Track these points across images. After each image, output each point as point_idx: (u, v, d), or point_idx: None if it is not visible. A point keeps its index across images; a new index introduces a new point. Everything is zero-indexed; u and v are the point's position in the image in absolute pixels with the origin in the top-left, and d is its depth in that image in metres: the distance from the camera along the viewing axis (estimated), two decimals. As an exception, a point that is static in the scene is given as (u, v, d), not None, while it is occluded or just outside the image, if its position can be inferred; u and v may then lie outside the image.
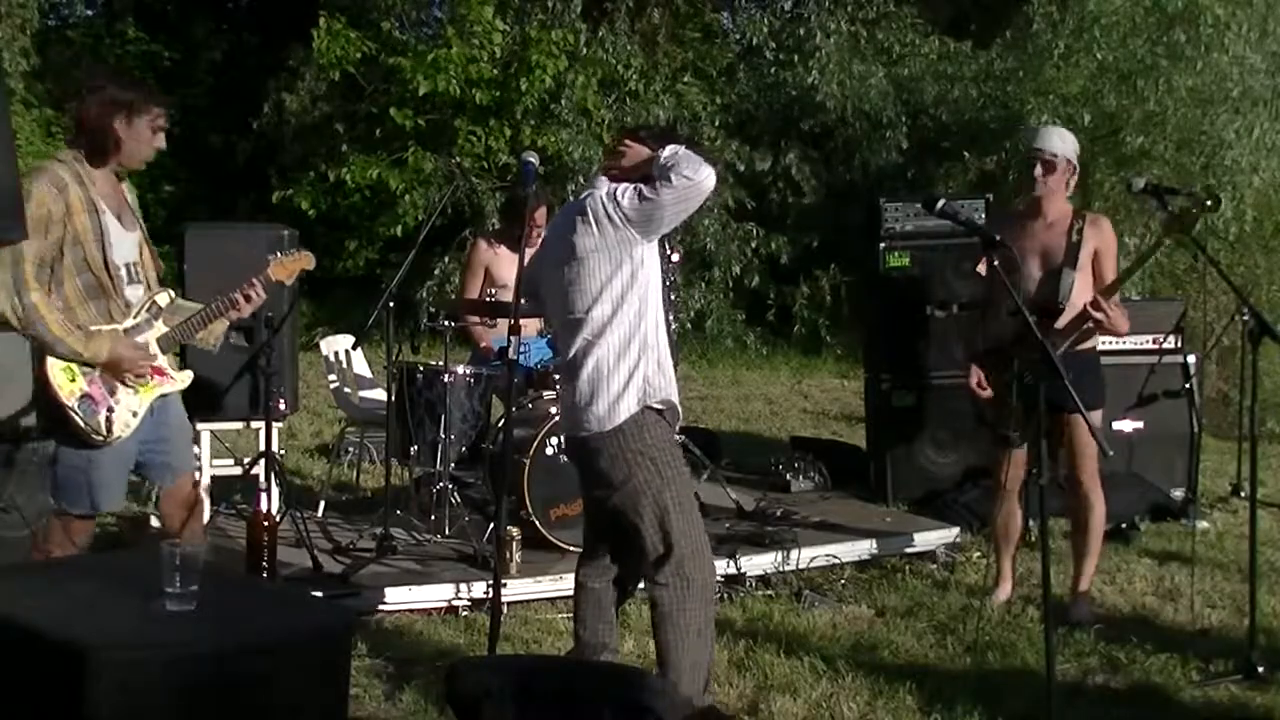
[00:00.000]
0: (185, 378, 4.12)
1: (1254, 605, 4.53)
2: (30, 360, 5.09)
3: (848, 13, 14.59)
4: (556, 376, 5.77)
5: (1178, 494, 6.86)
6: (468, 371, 5.93)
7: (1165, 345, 6.67)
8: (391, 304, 5.49)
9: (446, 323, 5.80)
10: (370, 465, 7.29)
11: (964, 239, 6.10)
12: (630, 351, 3.76)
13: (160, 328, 4.03)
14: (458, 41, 14.18)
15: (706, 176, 3.75)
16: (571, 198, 13.22)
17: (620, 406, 3.74)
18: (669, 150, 3.76)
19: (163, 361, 4.03)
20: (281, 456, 5.69)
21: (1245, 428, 5.23)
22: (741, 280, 14.08)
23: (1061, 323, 4.87)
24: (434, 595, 5.06)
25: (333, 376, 6.98)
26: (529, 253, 6.21)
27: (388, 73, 14.59)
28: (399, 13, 15.47)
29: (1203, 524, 6.59)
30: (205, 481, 5.74)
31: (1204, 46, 10.89)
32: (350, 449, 7.21)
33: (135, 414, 3.95)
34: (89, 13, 18.83)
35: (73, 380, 3.85)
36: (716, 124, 14.43)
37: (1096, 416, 5.01)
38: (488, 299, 6.20)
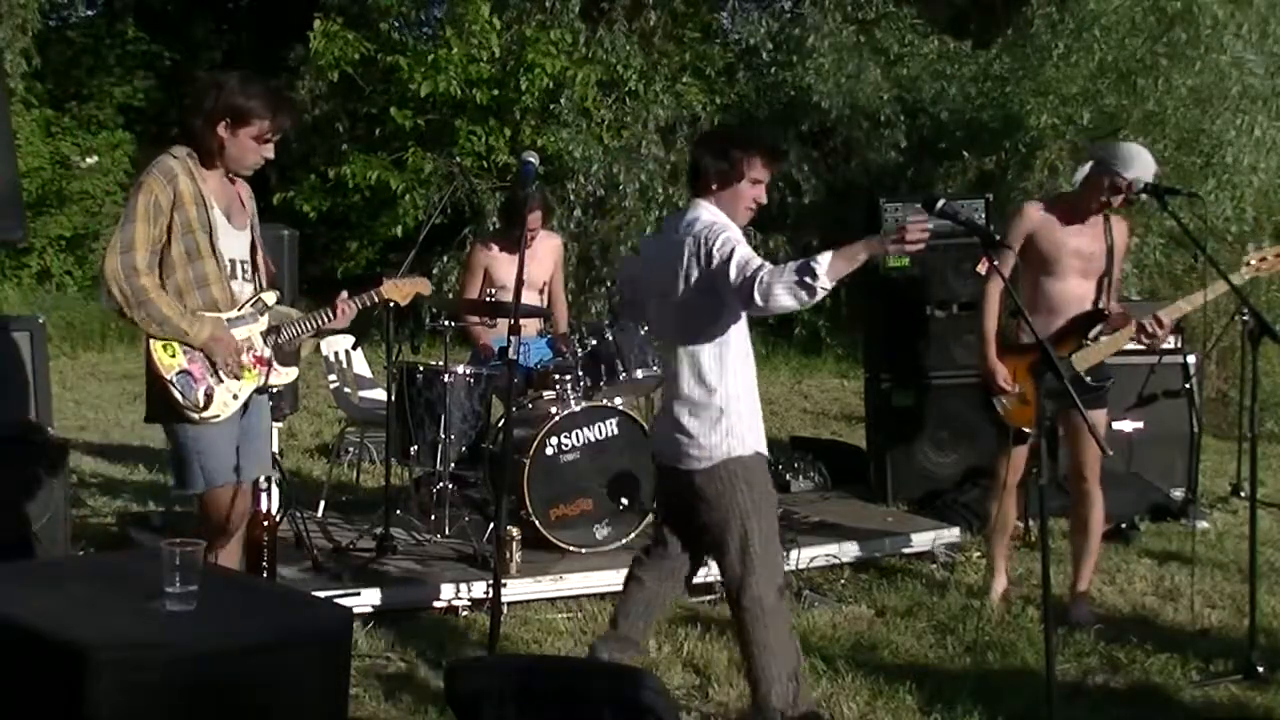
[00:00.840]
0: (289, 374, 4.25)
1: (1254, 605, 4.53)
2: (30, 360, 5.11)
3: (847, 13, 14.58)
4: (557, 376, 5.79)
5: (1178, 494, 6.86)
6: (468, 371, 5.93)
7: (1165, 345, 6.66)
8: (391, 304, 5.49)
9: (446, 323, 5.80)
10: (370, 465, 7.29)
11: (964, 239, 6.10)
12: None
13: (265, 323, 4.13)
14: (457, 42, 14.19)
15: (779, 305, 3.67)
16: (571, 197, 13.35)
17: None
18: (764, 276, 3.65)
19: (267, 354, 4.12)
20: (281, 457, 5.69)
21: (1245, 428, 5.22)
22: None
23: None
24: (434, 595, 5.07)
25: (333, 376, 6.98)
26: (528, 254, 6.25)
27: (386, 73, 14.60)
28: (397, 13, 15.46)
29: (1203, 524, 6.59)
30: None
31: (1204, 46, 10.88)
32: (350, 449, 7.21)
33: (236, 396, 4.04)
34: (89, 13, 18.83)
35: (173, 356, 3.95)
36: (715, 124, 14.42)
37: (1102, 415, 5.03)
38: (487, 298, 6.21)
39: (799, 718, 3.81)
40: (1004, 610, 5.14)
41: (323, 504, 6.25)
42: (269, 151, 4.06)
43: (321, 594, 4.64)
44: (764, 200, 4.01)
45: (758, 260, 3.71)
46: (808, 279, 3.55)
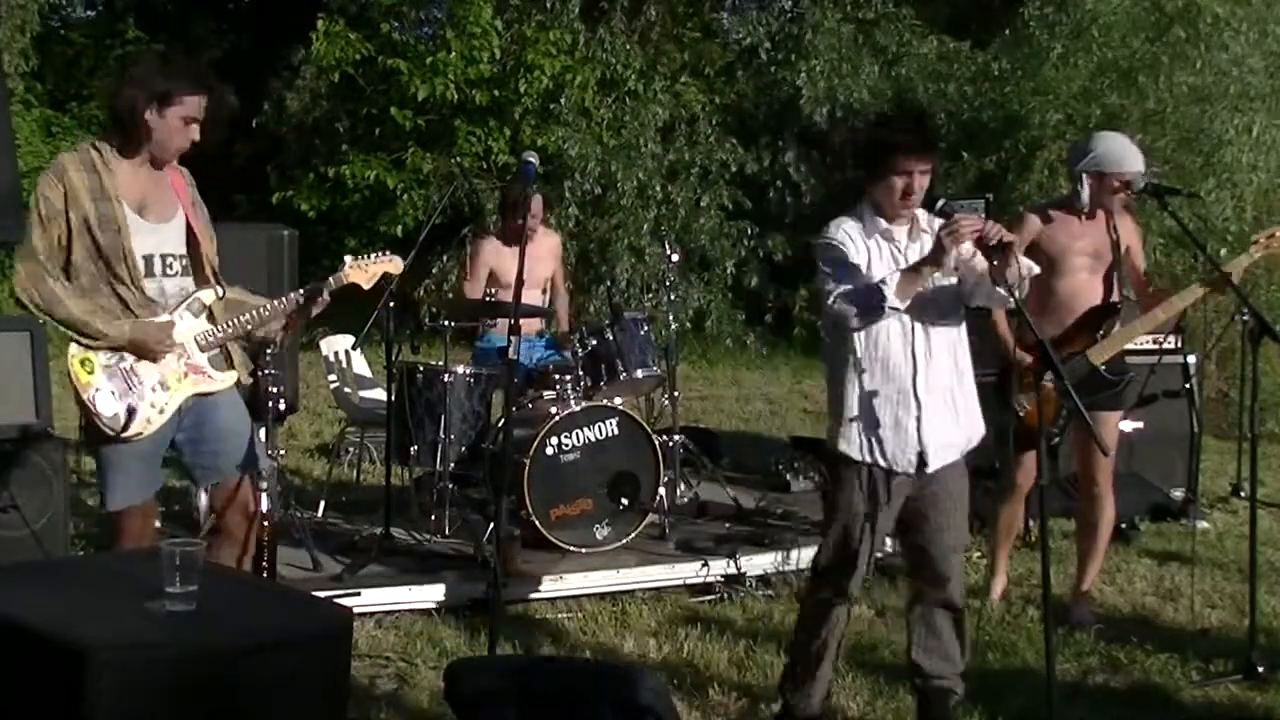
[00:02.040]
0: (226, 378, 3.99)
1: (1254, 605, 4.53)
2: (30, 360, 5.10)
3: (846, 12, 14.58)
4: (557, 376, 5.79)
5: (1178, 494, 6.86)
6: (468, 371, 5.93)
7: (1165, 345, 6.66)
8: (391, 304, 5.50)
9: (446, 322, 5.80)
10: (370, 465, 7.29)
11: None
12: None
13: (200, 325, 3.94)
14: (457, 43, 14.19)
15: (852, 328, 3.71)
16: (568, 195, 13.34)
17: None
18: (835, 306, 3.69)
19: (200, 360, 3.93)
20: (281, 456, 5.69)
21: (1245, 428, 5.22)
22: (740, 280, 14.08)
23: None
24: (434, 595, 5.07)
25: (333, 376, 6.97)
26: (530, 251, 6.24)
27: (386, 74, 14.60)
28: (398, 14, 15.46)
29: (1203, 524, 6.59)
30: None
31: (1203, 45, 10.88)
32: (350, 449, 7.21)
33: (161, 411, 3.86)
34: (89, 14, 18.83)
35: (91, 374, 3.79)
36: (714, 123, 14.43)
37: (1116, 417, 5.02)
38: (488, 298, 6.20)
39: None
40: (1004, 610, 5.14)
41: (323, 504, 6.25)
42: (194, 134, 3.83)
43: (321, 594, 4.64)
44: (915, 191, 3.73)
45: (831, 284, 3.71)
46: (875, 301, 3.60)
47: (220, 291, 4.01)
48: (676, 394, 6.45)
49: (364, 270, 4.24)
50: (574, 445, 5.58)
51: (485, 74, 14.35)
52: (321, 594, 4.61)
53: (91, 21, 18.67)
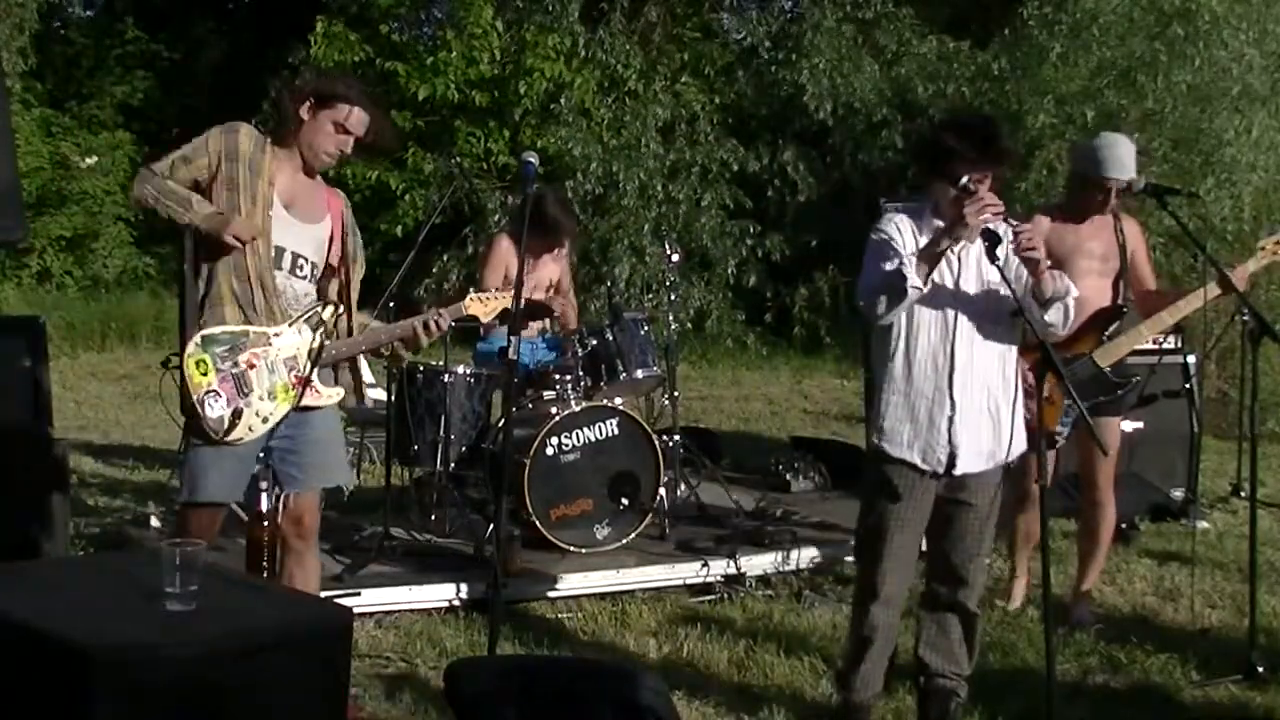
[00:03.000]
0: (333, 394, 4.00)
1: (1254, 605, 4.54)
2: (31, 360, 5.10)
3: (846, 12, 14.59)
4: (557, 376, 5.79)
5: (1178, 494, 6.86)
6: (468, 371, 5.94)
7: (1165, 345, 6.66)
8: (392, 304, 5.49)
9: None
10: (370, 465, 7.29)
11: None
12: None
13: (317, 339, 3.93)
14: (457, 43, 14.20)
15: (882, 315, 3.74)
16: (570, 195, 13.35)
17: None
18: (862, 299, 3.80)
19: (310, 373, 3.92)
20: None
21: (1245, 428, 5.22)
22: (740, 279, 14.10)
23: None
24: (434, 595, 5.07)
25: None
26: (545, 256, 6.25)
27: (385, 76, 14.61)
28: (397, 15, 15.47)
29: (1203, 524, 6.59)
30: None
31: (1202, 44, 10.88)
32: (350, 449, 7.19)
33: (265, 420, 3.85)
34: (87, 13, 18.84)
35: (204, 375, 3.80)
36: (715, 123, 14.44)
37: (1117, 422, 5.00)
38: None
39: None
40: (1004, 609, 5.13)
41: (323, 504, 6.24)
42: (346, 144, 3.91)
43: (321, 594, 4.64)
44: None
45: (864, 277, 3.81)
46: (897, 282, 3.63)
47: (339, 308, 4.02)
48: (676, 394, 6.45)
49: (484, 304, 4.28)
50: (574, 445, 5.58)
51: (485, 75, 14.35)
52: (321, 594, 4.62)
53: (91, 21, 18.68)
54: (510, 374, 4.19)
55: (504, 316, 4.38)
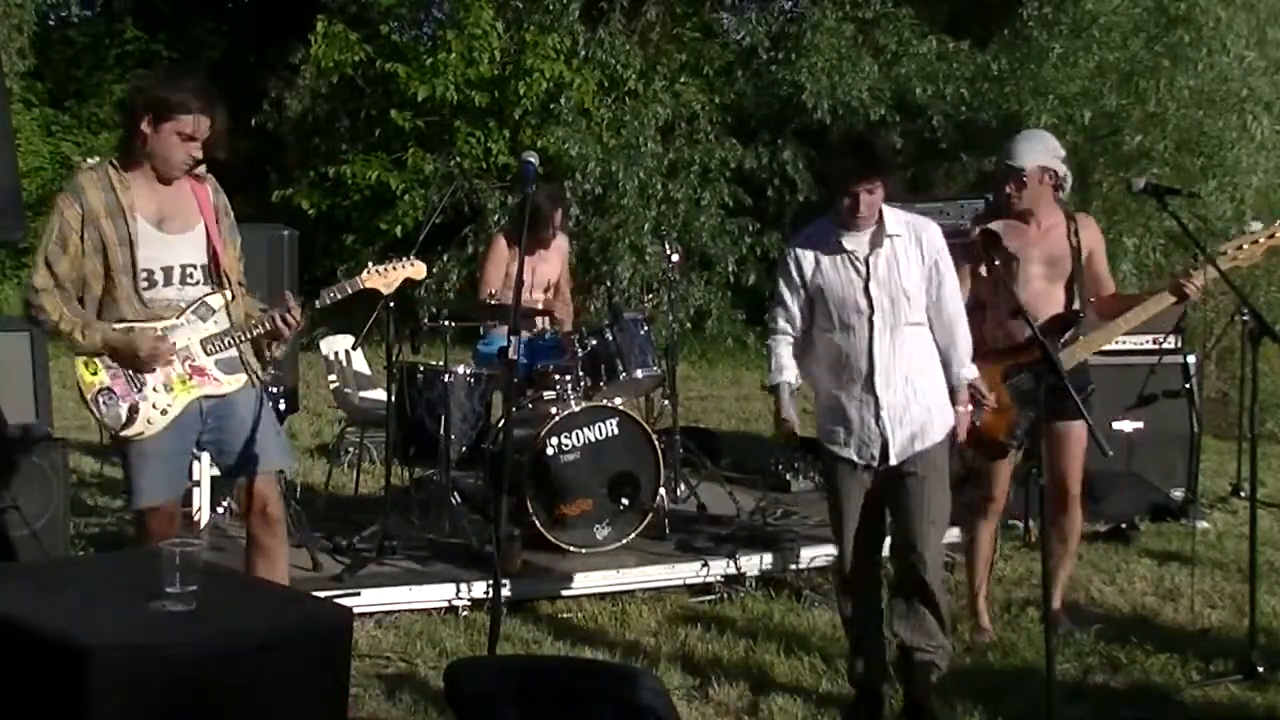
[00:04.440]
0: (233, 381, 3.99)
1: (1254, 605, 4.53)
2: (31, 360, 5.10)
3: (845, 12, 14.59)
4: (557, 376, 5.78)
5: (1178, 494, 6.86)
6: (468, 371, 5.93)
7: (1165, 345, 6.66)
8: (391, 304, 5.49)
9: (447, 322, 5.80)
10: (370, 465, 7.29)
11: (962, 239, 6.07)
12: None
13: (207, 329, 3.95)
14: (457, 44, 14.19)
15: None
16: (570, 194, 13.34)
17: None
18: None
19: (205, 362, 3.94)
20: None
21: (1245, 428, 5.22)
22: (740, 278, 14.10)
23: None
24: (434, 595, 5.07)
25: (333, 376, 6.97)
26: (541, 254, 6.25)
27: (385, 76, 14.61)
28: (397, 15, 15.47)
29: (1203, 524, 6.59)
30: (205, 483, 5.73)
31: (1205, 48, 10.89)
32: (350, 449, 7.21)
33: (164, 412, 3.88)
34: (86, 13, 18.82)
35: (94, 374, 3.86)
36: (714, 122, 14.44)
37: (1081, 426, 4.91)
38: (489, 298, 6.21)
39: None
40: (1004, 610, 5.11)
41: (322, 504, 6.25)
42: (196, 150, 3.85)
43: (321, 594, 4.64)
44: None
45: (776, 315, 4.28)
46: (770, 359, 4.27)
47: (229, 295, 4.01)
48: (676, 394, 6.45)
49: (384, 276, 4.25)
50: (574, 445, 5.57)
51: (485, 75, 14.35)
52: (321, 594, 4.62)
53: (91, 21, 18.67)
54: (510, 374, 4.19)
55: (408, 284, 4.34)
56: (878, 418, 3.98)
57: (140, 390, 3.86)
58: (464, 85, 14.31)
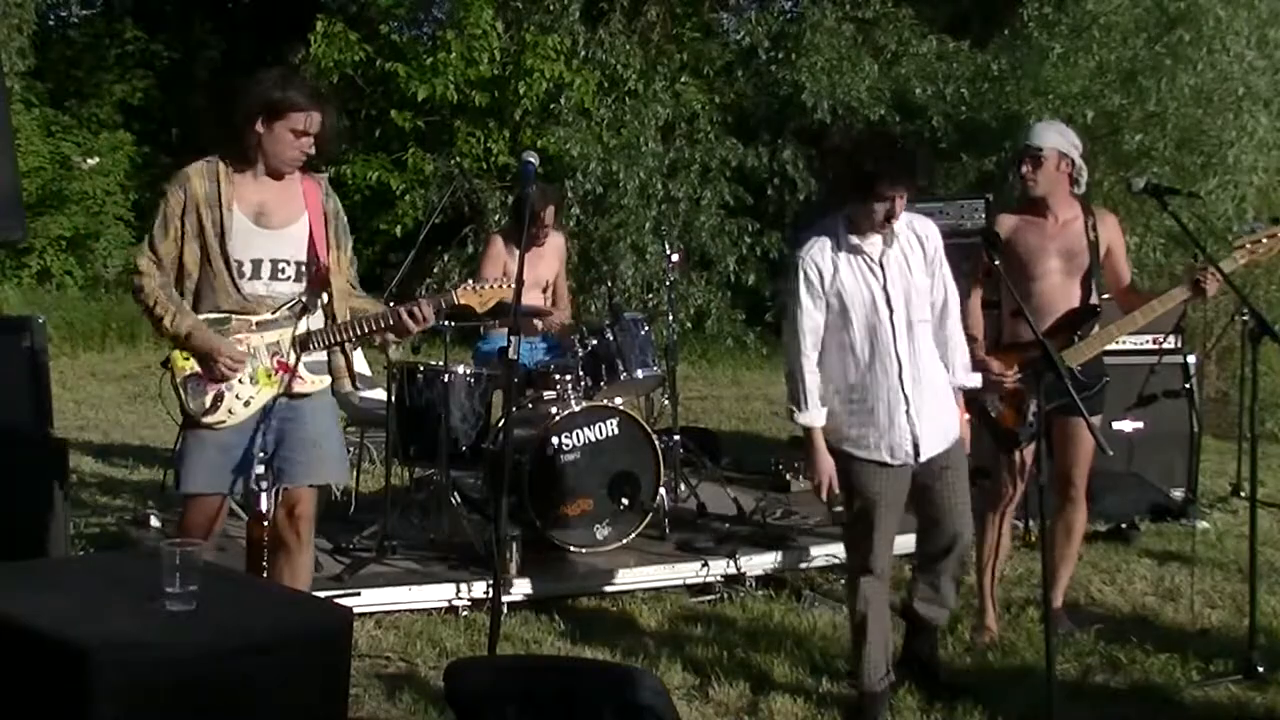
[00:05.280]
0: (318, 382, 4.06)
1: (1254, 605, 4.53)
2: (31, 360, 5.10)
3: (845, 12, 14.60)
4: (557, 376, 5.78)
5: (1178, 494, 6.86)
6: (468, 371, 5.93)
7: (1165, 345, 6.66)
8: (391, 304, 5.48)
9: (447, 322, 5.80)
10: (370, 465, 7.29)
11: (963, 239, 6.08)
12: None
13: (302, 326, 4.02)
14: (457, 44, 14.20)
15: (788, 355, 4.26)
16: (570, 194, 13.36)
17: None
18: None
19: (292, 360, 4.00)
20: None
21: (1245, 428, 5.22)
22: (740, 278, 14.10)
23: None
24: (434, 595, 5.07)
25: (332, 376, 6.96)
26: (535, 250, 6.26)
27: (385, 76, 14.62)
28: (397, 15, 15.47)
29: (1203, 524, 6.59)
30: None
31: (1205, 48, 10.89)
32: (350, 449, 7.19)
33: (247, 404, 3.95)
34: (86, 12, 18.82)
35: (186, 359, 3.94)
36: (714, 122, 14.44)
37: (1095, 421, 4.94)
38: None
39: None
40: (1004, 610, 5.11)
41: (322, 504, 6.24)
42: (308, 146, 3.97)
43: (321, 594, 4.64)
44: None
45: (799, 316, 4.15)
46: (792, 385, 4.15)
47: (327, 297, 4.08)
48: (677, 394, 6.45)
49: (478, 294, 4.27)
50: (574, 445, 5.57)
51: (485, 75, 14.36)
52: (321, 594, 4.62)
53: (91, 21, 18.67)
54: (510, 374, 4.19)
55: (498, 311, 4.37)
56: (908, 415, 4.00)
57: (227, 380, 3.93)
58: (464, 85, 14.31)
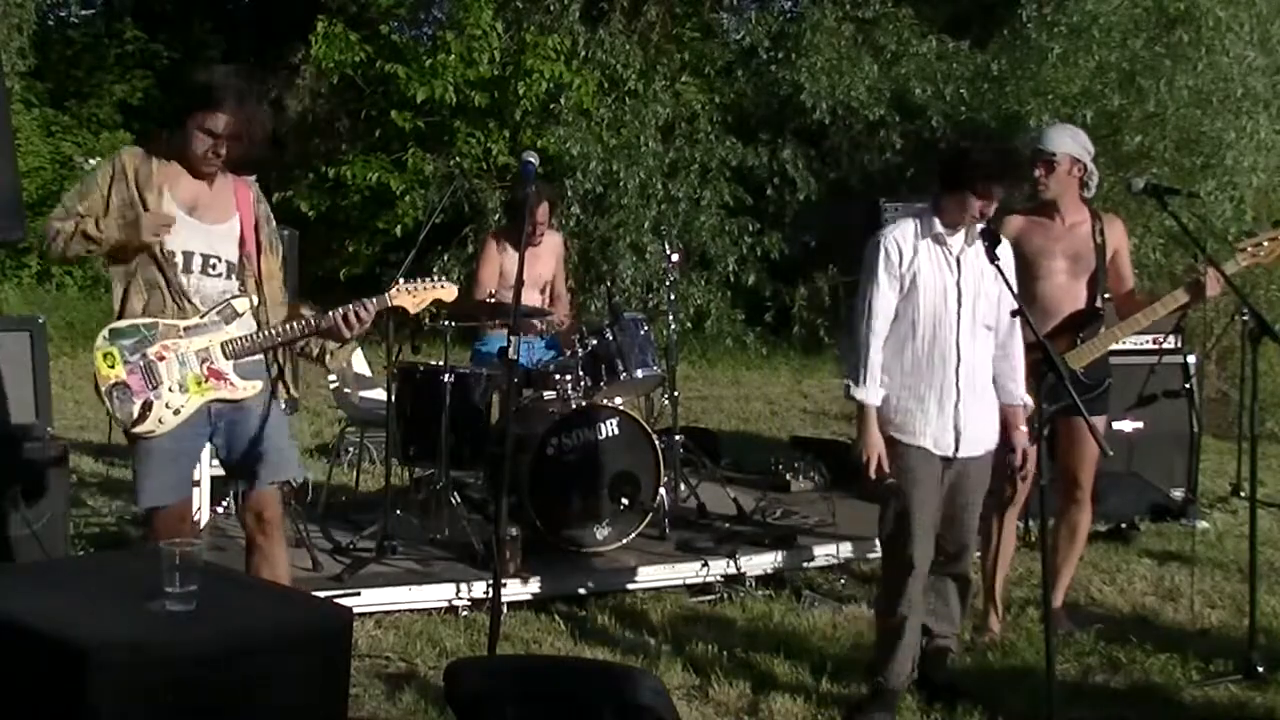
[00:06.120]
0: (249, 387, 3.99)
1: (1254, 605, 4.53)
2: (31, 360, 5.11)
3: (845, 12, 14.60)
4: (557, 376, 5.78)
5: (1178, 494, 6.86)
6: (468, 371, 5.93)
7: (1165, 345, 6.66)
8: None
9: (446, 322, 5.80)
10: (370, 465, 7.29)
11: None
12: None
13: (230, 332, 3.96)
14: (456, 44, 14.20)
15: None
16: (570, 194, 13.35)
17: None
18: None
19: (224, 366, 3.94)
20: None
21: (1245, 428, 5.22)
22: (740, 278, 14.10)
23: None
24: (434, 595, 5.07)
25: (333, 376, 6.97)
26: (532, 250, 6.25)
27: (385, 77, 14.62)
28: (397, 15, 15.47)
29: (1203, 524, 6.59)
30: (205, 482, 5.73)
31: (1205, 48, 10.89)
32: (350, 449, 7.21)
33: (177, 412, 3.89)
34: (85, 12, 18.83)
35: (112, 367, 3.88)
36: (714, 121, 14.45)
37: (1101, 422, 4.95)
38: (489, 299, 6.20)
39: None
40: (1003, 610, 5.11)
41: (323, 504, 6.25)
42: (220, 147, 3.87)
43: (321, 594, 4.64)
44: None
45: (872, 298, 4.19)
46: (856, 361, 4.14)
47: (256, 300, 4.03)
48: (676, 394, 6.45)
49: (413, 295, 4.21)
50: (574, 445, 5.57)
51: (485, 75, 14.36)
52: (321, 594, 4.62)
53: (91, 21, 18.67)
54: (510, 374, 4.19)
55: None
56: (956, 410, 4.06)
57: (155, 388, 3.87)
58: (464, 86, 14.30)
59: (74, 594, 2.82)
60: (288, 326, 4.04)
